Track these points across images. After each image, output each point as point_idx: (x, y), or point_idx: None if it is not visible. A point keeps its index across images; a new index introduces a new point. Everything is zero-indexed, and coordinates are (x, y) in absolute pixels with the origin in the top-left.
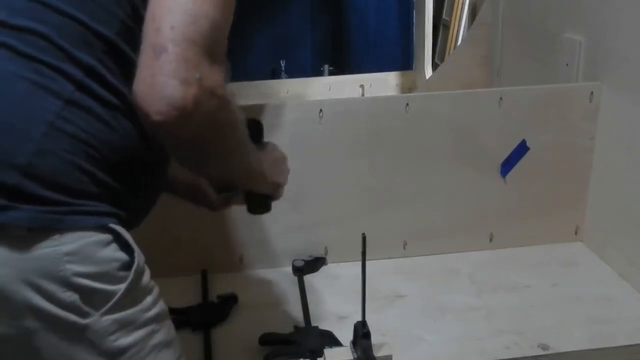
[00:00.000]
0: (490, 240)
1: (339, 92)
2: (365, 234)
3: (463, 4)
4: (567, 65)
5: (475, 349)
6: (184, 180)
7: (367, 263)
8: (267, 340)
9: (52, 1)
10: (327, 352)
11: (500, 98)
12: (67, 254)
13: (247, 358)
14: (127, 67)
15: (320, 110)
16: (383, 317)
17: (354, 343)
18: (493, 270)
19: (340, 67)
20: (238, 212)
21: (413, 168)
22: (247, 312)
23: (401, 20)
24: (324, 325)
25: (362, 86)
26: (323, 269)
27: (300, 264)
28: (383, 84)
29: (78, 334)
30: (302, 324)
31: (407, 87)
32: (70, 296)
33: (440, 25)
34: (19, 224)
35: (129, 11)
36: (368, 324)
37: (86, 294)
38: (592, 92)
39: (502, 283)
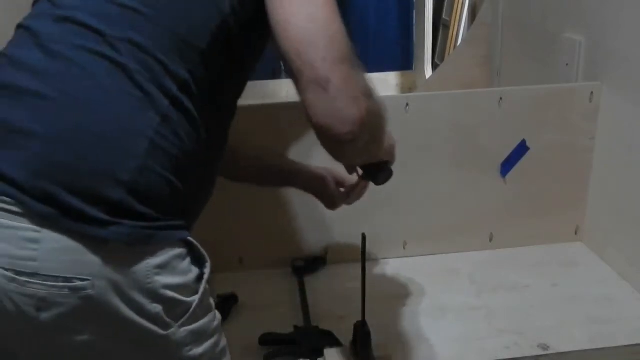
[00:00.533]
0: (490, 240)
1: None
2: (365, 234)
3: (463, 4)
4: (567, 65)
5: (475, 349)
6: (309, 173)
7: (367, 263)
8: (267, 340)
9: (146, 10)
10: (327, 352)
11: (500, 98)
12: (156, 267)
13: (247, 358)
14: (214, 78)
15: None
16: (383, 317)
17: (354, 343)
18: (493, 270)
19: None
20: (237, 212)
21: (413, 168)
22: (247, 312)
23: (401, 20)
24: (324, 325)
25: None
26: (323, 269)
27: (300, 264)
28: (383, 84)
29: (157, 345)
30: (302, 324)
31: (407, 87)
32: (156, 307)
33: (440, 25)
34: (119, 239)
35: (218, 22)
36: (368, 324)
37: (170, 305)
38: (592, 92)
39: (502, 283)
